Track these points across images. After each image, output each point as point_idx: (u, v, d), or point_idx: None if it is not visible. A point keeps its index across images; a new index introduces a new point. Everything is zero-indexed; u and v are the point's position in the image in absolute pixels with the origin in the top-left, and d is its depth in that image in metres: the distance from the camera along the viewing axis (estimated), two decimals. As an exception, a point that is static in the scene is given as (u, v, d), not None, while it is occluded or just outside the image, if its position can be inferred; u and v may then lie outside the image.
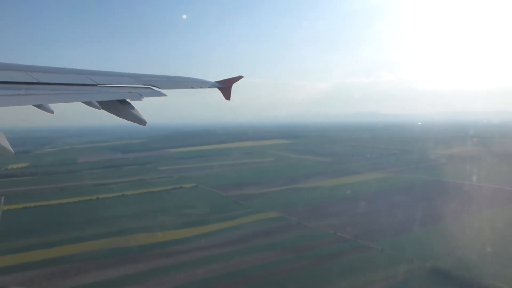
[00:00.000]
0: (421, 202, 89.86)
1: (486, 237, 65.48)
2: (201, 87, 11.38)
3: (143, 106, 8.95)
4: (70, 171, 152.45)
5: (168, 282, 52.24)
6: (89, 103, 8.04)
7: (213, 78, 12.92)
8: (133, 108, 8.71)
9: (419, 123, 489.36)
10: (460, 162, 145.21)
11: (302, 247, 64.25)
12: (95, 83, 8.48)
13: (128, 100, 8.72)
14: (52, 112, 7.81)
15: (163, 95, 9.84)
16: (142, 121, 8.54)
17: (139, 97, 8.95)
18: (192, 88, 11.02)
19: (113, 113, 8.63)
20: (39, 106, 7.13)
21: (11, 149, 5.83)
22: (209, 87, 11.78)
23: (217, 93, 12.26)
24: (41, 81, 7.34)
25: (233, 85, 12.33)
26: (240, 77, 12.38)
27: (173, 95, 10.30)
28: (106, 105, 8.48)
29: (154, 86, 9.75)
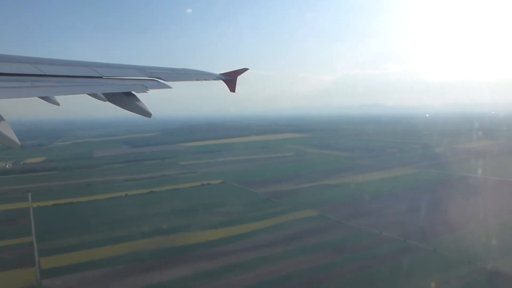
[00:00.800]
0: (463, 199, 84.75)
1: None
2: (206, 80, 11.37)
3: (147, 98, 8.92)
4: (89, 166, 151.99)
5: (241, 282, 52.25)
6: (94, 95, 8.07)
7: (218, 71, 12.68)
8: (138, 100, 8.73)
9: (427, 115, 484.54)
10: (487, 157, 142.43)
11: (352, 249, 63.21)
12: (100, 75, 8.47)
13: (133, 92, 8.72)
14: (58, 104, 7.69)
15: (168, 87, 9.82)
16: (147, 114, 8.58)
17: (145, 89, 8.92)
18: (197, 80, 11.00)
19: (118, 105, 8.64)
20: (45, 98, 7.13)
21: (18, 141, 5.74)
22: (214, 79, 11.75)
23: (221, 85, 12.25)
24: (47, 73, 7.33)
25: (238, 77, 12.25)
26: (245, 69, 12.35)
27: (178, 87, 10.33)
28: (112, 97, 8.51)
29: (159, 79, 9.74)
